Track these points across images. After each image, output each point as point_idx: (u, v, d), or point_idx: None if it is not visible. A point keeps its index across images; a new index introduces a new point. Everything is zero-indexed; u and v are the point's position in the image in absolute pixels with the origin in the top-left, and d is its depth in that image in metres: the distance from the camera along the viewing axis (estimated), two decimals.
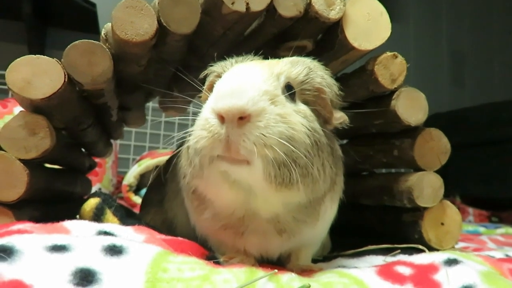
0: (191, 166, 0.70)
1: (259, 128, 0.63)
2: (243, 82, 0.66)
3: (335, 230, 0.92)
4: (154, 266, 0.58)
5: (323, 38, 1.01)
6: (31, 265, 0.53)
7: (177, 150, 0.83)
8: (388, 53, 0.94)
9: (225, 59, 0.82)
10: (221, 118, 0.63)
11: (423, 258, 0.78)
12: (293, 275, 0.64)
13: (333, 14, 0.89)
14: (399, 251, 0.94)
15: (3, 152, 0.80)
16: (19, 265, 0.53)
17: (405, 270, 0.72)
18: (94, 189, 1.51)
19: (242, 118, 0.63)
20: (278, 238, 0.75)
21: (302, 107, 0.73)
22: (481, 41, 4.18)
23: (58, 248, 0.57)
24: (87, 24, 2.59)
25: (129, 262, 0.58)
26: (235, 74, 0.71)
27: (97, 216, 0.94)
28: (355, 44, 0.91)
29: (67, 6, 2.55)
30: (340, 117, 0.78)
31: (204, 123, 0.66)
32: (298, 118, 0.69)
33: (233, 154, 0.64)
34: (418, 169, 1.01)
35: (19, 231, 0.64)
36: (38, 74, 0.80)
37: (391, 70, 0.94)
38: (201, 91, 0.84)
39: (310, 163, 0.68)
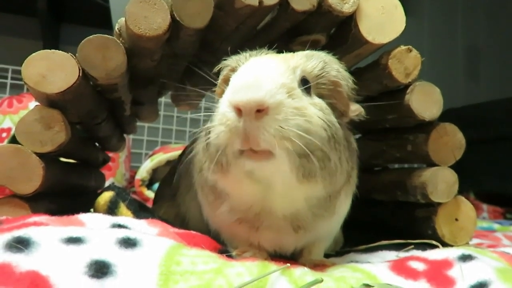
0: (211, 161, 0.70)
1: (277, 121, 0.63)
2: (260, 75, 0.66)
3: (348, 225, 0.91)
4: (168, 259, 0.58)
5: (337, 32, 1.00)
6: (47, 257, 0.54)
7: (190, 145, 0.83)
8: (402, 47, 0.93)
9: (238, 53, 0.82)
10: (239, 111, 0.63)
11: (437, 254, 0.77)
12: (306, 269, 0.64)
13: (346, 8, 0.89)
14: (412, 246, 0.93)
15: (20, 145, 0.81)
16: (35, 256, 0.54)
17: (418, 266, 0.72)
18: (107, 183, 1.52)
19: (260, 111, 0.62)
20: (293, 235, 0.76)
21: (318, 100, 0.73)
22: (497, 35, 4.11)
23: (74, 240, 0.58)
24: (100, 20, 2.61)
25: (143, 254, 0.59)
26: (252, 67, 0.70)
27: (111, 210, 0.95)
28: (369, 38, 0.91)
29: (80, 2, 2.58)
30: (356, 109, 0.78)
31: (222, 118, 0.66)
32: (314, 111, 0.68)
33: (253, 146, 0.63)
34: (432, 164, 1.00)
35: (35, 223, 0.65)
36: (53, 68, 0.80)
37: (405, 64, 0.93)
38: (214, 85, 0.84)
39: (327, 156, 0.68)
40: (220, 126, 0.66)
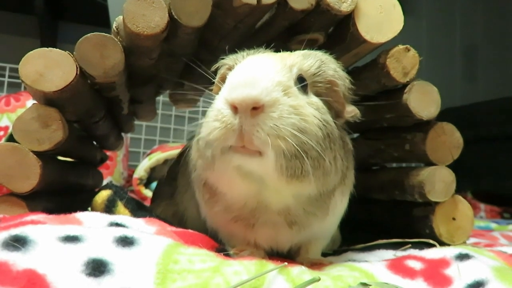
0: (202, 158, 0.70)
1: (272, 119, 0.63)
2: (257, 73, 0.66)
3: (345, 224, 0.91)
4: (165, 258, 0.58)
5: (335, 31, 1.00)
6: (44, 255, 0.54)
7: (188, 144, 0.83)
8: (401, 46, 0.93)
9: (236, 52, 0.82)
10: (234, 109, 0.63)
11: (434, 253, 0.77)
12: (303, 268, 0.64)
13: (345, 7, 0.88)
14: (409, 245, 0.94)
15: (17, 144, 0.81)
16: (32, 255, 0.54)
17: (416, 265, 0.72)
18: (105, 182, 1.52)
19: (256, 109, 0.62)
20: (288, 231, 0.76)
21: (314, 99, 0.73)
22: (495, 35, 4.11)
23: (71, 239, 0.58)
24: (98, 18, 2.61)
25: (140, 253, 0.59)
26: (248, 65, 0.70)
27: (109, 208, 0.95)
28: (367, 37, 0.90)
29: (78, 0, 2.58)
30: (351, 111, 0.78)
31: (217, 114, 0.66)
32: (310, 110, 0.69)
33: (247, 144, 0.64)
34: (429, 163, 1.00)
35: (33, 222, 0.65)
36: (51, 66, 0.80)
37: (404, 63, 0.93)
38: (212, 84, 0.84)
39: (322, 155, 0.68)
40: (215, 123, 0.66)
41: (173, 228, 0.80)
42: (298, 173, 0.66)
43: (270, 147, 0.63)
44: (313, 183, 0.69)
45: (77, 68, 0.81)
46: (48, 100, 0.83)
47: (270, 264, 0.63)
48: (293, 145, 0.63)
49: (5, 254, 0.53)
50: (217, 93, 0.74)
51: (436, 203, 0.99)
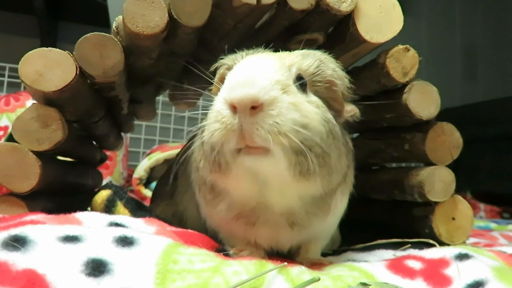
0: (207, 160, 0.70)
1: (271, 116, 0.63)
2: (255, 72, 0.66)
3: (345, 224, 0.91)
4: (165, 258, 0.58)
5: (335, 31, 1.00)
6: (44, 255, 0.54)
7: (188, 144, 0.83)
8: (400, 46, 0.93)
9: (235, 52, 0.82)
10: (233, 108, 0.63)
11: (434, 253, 0.77)
12: (303, 268, 0.64)
13: (344, 7, 0.89)
14: (409, 245, 0.94)
15: (17, 144, 0.81)
16: (32, 255, 0.54)
17: (415, 264, 0.72)
18: (105, 182, 1.52)
19: (255, 108, 0.62)
20: (289, 231, 0.75)
21: (314, 98, 0.73)
22: (495, 34, 4.12)
23: (71, 239, 0.58)
24: (98, 18, 2.61)
25: (140, 253, 0.59)
26: (247, 65, 0.70)
27: (108, 208, 0.94)
28: (366, 37, 0.91)
29: (78, 0, 2.58)
30: (351, 110, 0.78)
31: (217, 115, 0.66)
32: (310, 107, 0.68)
33: (248, 143, 0.63)
34: (429, 163, 1.00)
35: (32, 222, 0.65)
36: (50, 66, 0.80)
37: (403, 63, 0.93)
38: (212, 84, 0.84)
39: (327, 152, 0.68)
40: (215, 124, 0.66)
41: (173, 228, 0.80)
42: (305, 170, 0.65)
43: (272, 144, 0.62)
44: (319, 182, 0.69)
45: (76, 68, 0.81)
46: (48, 100, 0.83)
47: (269, 264, 0.63)
48: (295, 141, 0.63)
49: (5, 254, 0.53)
50: (216, 93, 0.74)
51: (436, 203, 0.99)
